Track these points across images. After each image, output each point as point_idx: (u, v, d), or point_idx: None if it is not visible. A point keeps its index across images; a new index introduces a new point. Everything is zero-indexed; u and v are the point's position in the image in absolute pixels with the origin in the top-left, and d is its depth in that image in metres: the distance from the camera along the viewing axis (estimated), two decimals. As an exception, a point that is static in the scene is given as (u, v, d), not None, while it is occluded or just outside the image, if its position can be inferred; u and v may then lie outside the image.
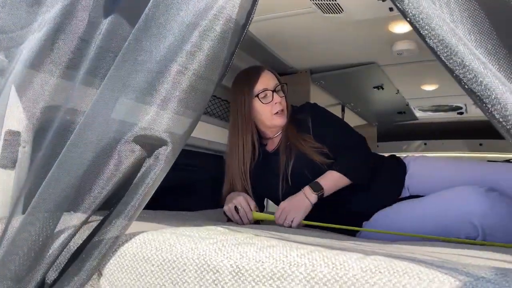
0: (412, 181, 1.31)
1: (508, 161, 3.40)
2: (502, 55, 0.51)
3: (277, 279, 0.60)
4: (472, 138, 3.39)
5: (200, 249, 0.69)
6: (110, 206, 0.74)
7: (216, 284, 0.64)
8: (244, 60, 2.06)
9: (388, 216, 1.19)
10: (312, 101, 2.35)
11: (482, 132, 3.38)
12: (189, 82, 0.70)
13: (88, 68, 0.83)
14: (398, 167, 1.37)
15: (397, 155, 1.48)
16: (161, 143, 0.70)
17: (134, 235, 0.78)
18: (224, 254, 0.66)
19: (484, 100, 0.47)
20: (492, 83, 0.47)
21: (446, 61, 0.50)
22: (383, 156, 1.48)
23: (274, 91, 1.40)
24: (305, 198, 1.25)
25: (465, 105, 3.11)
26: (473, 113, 3.20)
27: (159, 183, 0.74)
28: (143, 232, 0.79)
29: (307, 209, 1.24)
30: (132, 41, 0.72)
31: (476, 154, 3.44)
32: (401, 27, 1.66)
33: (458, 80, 0.50)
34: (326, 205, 1.31)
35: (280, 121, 1.40)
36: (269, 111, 1.39)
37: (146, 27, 0.72)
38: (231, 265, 0.64)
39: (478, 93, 0.48)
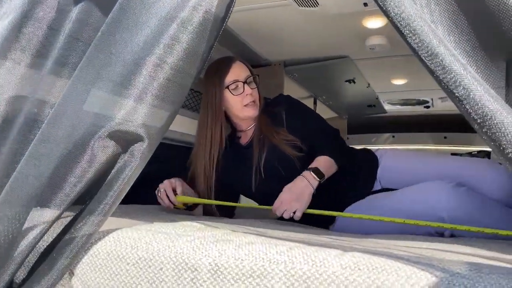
0: (384, 174, 1.33)
1: (470, 153, 3.55)
2: (480, 56, 0.52)
3: (256, 277, 0.60)
4: (437, 131, 3.51)
5: (177, 247, 0.68)
6: (83, 202, 0.71)
7: (194, 283, 0.63)
8: (218, 51, 2.03)
9: (361, 209, 1.21)
10: (285, 94, 2.36)
11: (446, 125, 3.51)
12: (167, 75, 0.68)
13: (57, 57, 0.79)
14: (371, 160, 1.38)
15: (368, 147, 1.49)
16: (137, 138, 0.68)
17: (107, 232, 0.75)
18: (202, 252, 0.65)
19: (463, 101, 0.48)
20: (471, 84, 0.48)
21: (426, 61, 0.51)
22: (355, 148, 1.50)
23: (245, 82, 1.38)
24: (309, 185, 1.20)
25: (432, 99, 3.21)
26: (439, 107, 3.31)
27: (135, 179, 0.72)
28: (117, 229, 0.76)
29: (310, 197, 1.20)
30: (106, 32, 0.69)
31: (440, 146, 3.57)
32: (375, 22, 1.68)
33: (438, 80, 0.50)
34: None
35: (252, 112, 1.39)
36: (240, 103, 1.37)
37: (121, 18, 0.69)
38: (209, 263, 0.63)
39: (457, 94, 0.49)
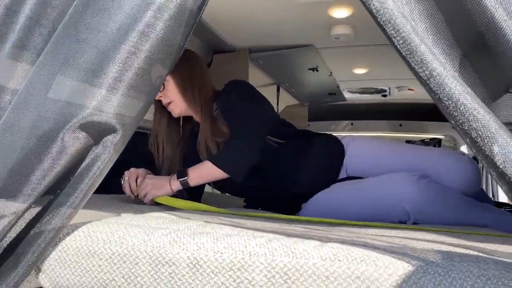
0: (351, 162, 1.34)
1: (423, 140, 3.74)
2: (457, 55, 0.54)
3: (237, 270, 0.60)
4: (393, 119, 3.65)
5: (153, 241, 0.66)
6: (52, 195, 0.67)
7: (172, 277, 0.62)
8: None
9: (326, 198, 1.24)
10: (250, 80, 2.35)
11: (402, 114, 3.66)
12: (141, 64, 0.65)
13: (16, 41, 0.74)
14: (335, 147, 1.38)
15: (334, 134, 1.48)
16: (110, 129, 0.65)
17: (77, 226, 0.72)
18: (180, 246, 0.64)
19: (442, 98, 0.50)
20: (450, 83, 0.49)
21: (408, 58, 0.52)
22: (319, 134, 1.47)
23: None
24: (168, 185, 1.23)
25: (389, 88, 3.33)
26: (395, 96, 3.44)
27: (107, 172, 0.69)
28: (87, 223, 0.73)
29: (166, 194, 1.23)
30: (74, 16, 0.65)
31: (396, 134, 3.73)
32: (341, 12, 1.70)
33: (418, 77, 0.52)
34: (265, 186, 1.34)
35: (173, 112, 1.39)
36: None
37: (90, 1, 0.65)
38: (188, 257, 0.63)
39: (436, 91, 0.50)
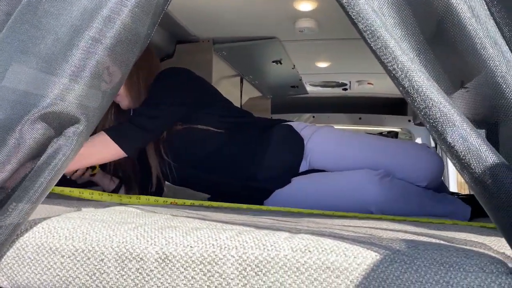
0: (313, 154, 1.30)
1: (381, 133, 3.86)
2: (423, 50, 0.56)
3: (207, 264, 0.59)
4: (353, 113, 3.74)
5: (119, 236, 0.64)
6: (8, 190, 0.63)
7: (140, 273, 0.61)
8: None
9: (287, 196, 1.23)
10: (214, 72, 2.33)
11: (361, 107, 3.76)
12: (106, 52, 0.62)
13: None
14: (292, 139, 1.33)
15: (295, 124, 1.42)
16: (73, 120, 0.62)
17: (36, 222, 0.69)
18: (148, 241, 0.62)
19: (409, 91, 0.51)
20: (417, 77, 0.51)
21: (378, 52, 0.53)
22: (278, 122, 1.42)
23: None
24: None
25: (350, 82, 3.41)
26: (355, 89, 3.52)
27: (69, 164, 0.66)
28: (47, 218, 0.70)
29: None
30: (33, 1, 0.61)
31: (356, 126, 3.83)
32: (305, 5, 1.71)
33: (387, 71, 0.53)
34: (220, 180, 1.32)
35: (121, 105, 1.36)
36: None
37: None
38: (156, 252, 0.61)
39: (405, 84, 0.52)
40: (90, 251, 0.63)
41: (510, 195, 0.45)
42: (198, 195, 1.66)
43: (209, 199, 1.47)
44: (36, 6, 0.61)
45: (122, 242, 0.63)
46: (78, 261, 0.63)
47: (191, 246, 0.61)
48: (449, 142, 0.48)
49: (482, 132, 0.51)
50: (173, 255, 0.60)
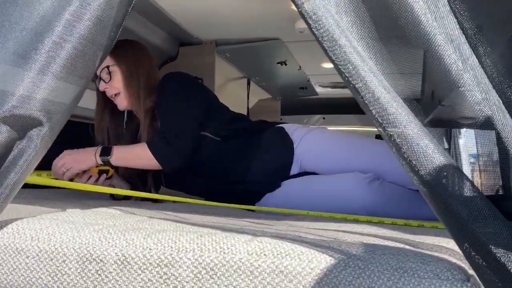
0: (304, 156, 1.29)
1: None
2: (379, 48, 0.54)
3: (164, 266, 0.59)
4: (364, 113, 3.69)
5: (82, 238, 0.64)
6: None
7: (99, 275, 0.61)
8: (147, 29, 1.95)
9: (276, 200, 1.22)
10: (217, 74, 2.33)
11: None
12: (73, 45, 0.62)
13: None
14: (282, 143, 1.31)
15: (283, 125, 1.40)
16: (35, 123, 0.63)
17: (5, 223, 0.70)
18: (109, 242, 0.63)
19: (360, 92, 0.50)
20: (367, 76, 0.49)
21: (329, 52, 0.52)
22: (269, 126, 1.41)
23: (99, 78, 1.35)
24: (93, 158, 1.22)
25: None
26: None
27: (35, 166, 0.66)
28: (17, 219, 0.71)
29: (88, 166, 1.23)
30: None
31: (367, 128, 3.77)
32: (303, 6, 1.69)
33: (337, 69, 0.52)
34: (212, 184, 1.32)
35: (119, 106, 1.37)
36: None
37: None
38: (116, 253, 0.61)
39: (354, 84, 0.50)
40: (53, 252, 0.64)
41: (458, 199, 0.43)
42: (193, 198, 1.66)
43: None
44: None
45: (84, 244, 0.63)
46: (41, 261, 0.64)
47: (150, 249, 0.61)
48: (387, 133, 0.47)
49: (434, 130, 0.49)
50: (132, 257, 0.60)
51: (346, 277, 0.51)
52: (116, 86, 1.33)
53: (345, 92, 3.51)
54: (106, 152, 1.21)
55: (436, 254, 0.54)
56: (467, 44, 0.52)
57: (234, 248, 0.58)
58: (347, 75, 0.49)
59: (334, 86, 3.41)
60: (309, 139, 1.31)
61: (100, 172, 1.31)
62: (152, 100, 1.33)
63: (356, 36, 0.54)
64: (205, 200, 1.48)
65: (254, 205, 1.28)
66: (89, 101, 1.47)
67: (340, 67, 0.50)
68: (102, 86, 1.34)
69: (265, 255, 0.56)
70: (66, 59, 0.63)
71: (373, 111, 0.49)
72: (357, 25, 0.54)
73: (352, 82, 0.50)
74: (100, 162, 1.20)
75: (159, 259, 0.59)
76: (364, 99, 0.49)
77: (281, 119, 3.72)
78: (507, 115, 0.50)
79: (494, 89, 0.51)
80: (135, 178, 1.46)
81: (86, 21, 0.63)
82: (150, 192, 1.46)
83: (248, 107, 3.02)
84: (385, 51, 0.53)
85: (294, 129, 1.36)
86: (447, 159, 0.45)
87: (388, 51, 0.54)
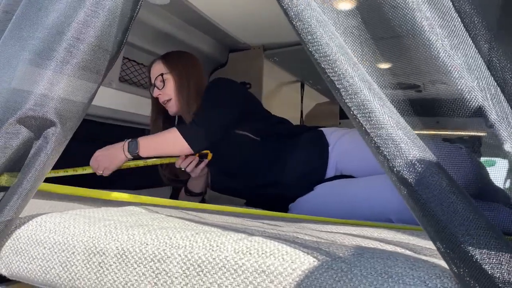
0: (339, 159, 1.25)
1: (462, 138, 3.51)
2: (364, 39, 0.51)
3: (157, 261, 0.60)
4: (428, 116, 3.47)
5: (91, 232, 0.68)
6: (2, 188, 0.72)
7: (101, 267, 0.64)
8: (194, 36, 2.02)
9: (310, 202, 1.18)
10: (266, 78, 2.34)
11: (438, 109, 3.46)
12: (92, 40, 0.67)
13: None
14: (317, 147, 1.30)
15: (322, 129, 1.38)
16: (49, 124, 0.68)
17: (32, 217, 0.76)
18: (112, 237, 0.66)
19: (340, 90, 0.47)
20: (346, 70, 0.47)
21: (311, 50, 0.50)
22: (308, 129, 1.40)
23: (153, 85, 1.44)
24: (123, 154, 1.26)
25: (423, 83, 3.17)
26: (430, 91, 3.26)
27: (53, 164, 0.72)
28: (44, 214, 0.77)
29: (120, 162, 1.27)
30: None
31: (432, 131, 3.53)
32: (345, 4, 1.65)
33: (316, 63, 0.49)
34: (249, 186, 1.33)
35: (170, 111, 1.44)
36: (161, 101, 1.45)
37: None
38: (116, 247, 0.64)
39: (337, 84, 0.48)
40: (65, 244, 0.68)
41: (436, 198, 0.39)
42: (237, 201, 1.68)
43: (246, 204, 1.48)
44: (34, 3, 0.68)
45: (91, 237, 0.67)
46: (55, 252, 0.69)
47: (146, 244, 0.63)
48: (372, 137, 0.43)
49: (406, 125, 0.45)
50: (130, 251, 0.63)
51: (326, 280, 0.49)
52: (168, 92, 1.41)
53: (406, 94, 3.33)
54: (132, 147, 1.25)
55: (431, 260, 0.49)
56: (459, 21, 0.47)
57: (222, 246, 0.58)
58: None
59: (394, 87, 3.25)
60: (345, 141, 1.27)
61: (201, 156, 1.40)
62: (198, 105, 1.38)
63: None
64: (245, 203, 1.49)
65: (288, 208, 1.26)
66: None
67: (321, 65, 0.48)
68: (156, 92, 1.43)
69: (250, 253, 0.55)
70: (83, 56, 0.68)
71: (349, 104, 0.46)
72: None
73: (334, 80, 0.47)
74: (129, 156, 1.26)
75: (153, 254, 0.61)
76: (344, 98, 0.46)
77: (339, 123, 3.62)
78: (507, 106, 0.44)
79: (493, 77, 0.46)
80: (182, 181, 1.52)
81: (101, 17, 0.67)
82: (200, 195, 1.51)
83: (302, 111, 2.99)
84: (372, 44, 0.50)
85: (331, 131, 1.33)
86: (422, 153, 0.40)
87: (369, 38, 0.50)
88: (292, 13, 0.50)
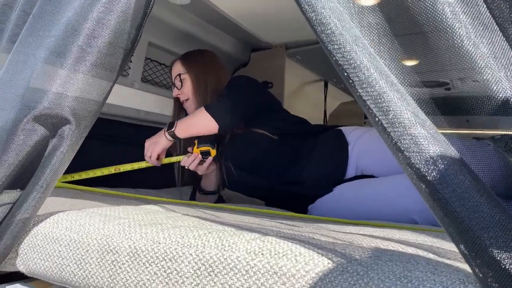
0: (361, 158, 1.21)
1: (493, 137, 3.37)
2: (384, 33, 0.48)
3: (168, 260, 0.59)
4: (457, 115, 3.35)
5: (105, 230, 0.68)
6: (20, 186, 0.72)
7: (114, 265, 0.63)
8: (216, 36, 2.02)
9: (330, 203, 1.15)
10: (288, 77, 2.32)
11: (468, 108, 3.34)
12: (107, 38, 0.67)
13: (9, 35, 0.80)
14: (336, 147, 1.27)
15: (341, 128, 1.35)
16: (64, 121, 0.68)
17: (50, 215, 0.77)
18: (126, 235, 0.65)
19: (355, 83, 0.45)
20: (361, 62, 0.44)
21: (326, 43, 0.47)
22: (326, 129, 1.38)
23: (173, 85, 1.47)
24: (164, 136, 1.32)
25: (451, 80, 3.06)
26: (460, 89, 3.15)
27: (69, 162, 0.72)
28: (61, 211, 0.78)
29: (162, 144, 1.32)
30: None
31: (461, 130, 3.41)
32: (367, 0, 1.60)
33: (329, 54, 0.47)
34: (268, 185, 1.31)
35: (188, 110, 1.46)
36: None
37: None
38: (129, 246, 0.63)
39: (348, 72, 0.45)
40: (80, 241, 0.68)
41: (458, 197, 0.36)
42: (259, 202, 1.67)
43: (265, 205, 1.46)
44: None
45: (105, 235, 0.67)
46: (70, 250, 0.69)
47: (159, 243, 0.62)
48: (385, 127, 0.41)
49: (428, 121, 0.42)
50: (142, 250, 0.62)
51: (341, 283, 0.46)
52: (186, 92, 1.42)
53: (434, 92, 3.23)
54: (170, 126, 1.31)
55: (455, 264, 0.45)
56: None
57: (234, 246, 0.56)
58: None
59: (422, 85, 3.16)
60: (366, 140, 1.23)
61: (203, 153, 1.41)
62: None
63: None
64: (265, 204, 1.47)
65: (308, 208, 1.23)
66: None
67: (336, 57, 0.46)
68: (175, 92, 1.44)
69: (262, 254, 0.53)
70: (98, 53, 0.68)
71: (364, 97, 0.43)
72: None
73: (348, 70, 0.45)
74: (169, 137, 1.30)
75: (165, 253, 0.60)
76: (359, 92, 0.44)
77: (364, 122, 3.55)
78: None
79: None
80: (198, 179, 1.52)
81: (115, 14, 0.67)
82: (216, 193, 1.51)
83: (325, 110, 2.94)
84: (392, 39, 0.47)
85: (351, 130, 1.29)
86: (444, 149, 0.37)
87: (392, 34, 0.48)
88: (305, 4, 0.48)
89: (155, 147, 1.30)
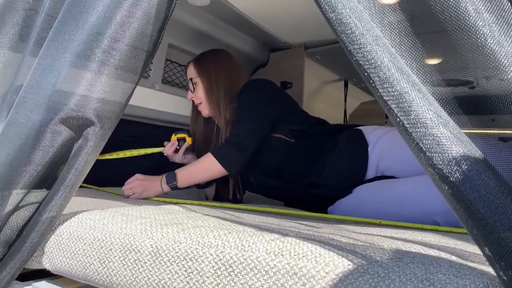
0: (381, 159, 1.18)
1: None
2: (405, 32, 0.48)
3: (189, 260, 0.60)
4: (483, 114, 3.26)
5: (128, 229, 0.69)
6: (46, 185, 0.75)
7: (136, 264, 0.64)
8: (235, 36, 2.03)
9: (350, 204, 1.14)
10: (307, 76, 2.31)
11: (494, 107, 3.25)
12: (129, 40, 0.68)
13: (36, 38, 0.83)
14: (356, 147, 1.23)
15: (361, 127, 1.31)
16: (89, 123, 0.70)
17: (75, 214, 0.79)
18: (147, 235, 0.66)
19: (375, 81, 0.44)
20: (382, 62, 0.44)
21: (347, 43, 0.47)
22: (346, 128, 1.34)
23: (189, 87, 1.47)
24: (159, 187, 1.24)
25: (476, 79, 2.98)
26: (485, 87, 3.07)
27: (92, 163, 0.74)
28: (86, 211, 0.80)
29: (154, 193, 1.25)
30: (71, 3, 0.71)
31: (487, 130, 3.32)
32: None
33: (352, 57, 0.47)
34: (286, 186, 1.30)
35: (202, 112, 1.46)
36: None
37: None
38: (151, 245, 0.64)
39: (369, 72, 0.45)
40: (104, 240, 0.70)
41: (482, 199, 0.35)
42: (274, 202, 1.66)
43: (285, 205, 1.46)
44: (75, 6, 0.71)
45: (128, 235, 0.68)
46: (94, 249, 0.70)
47: (180, 242, 0.62)
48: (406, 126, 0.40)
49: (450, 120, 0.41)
50: (163, 249, 0.63)
51: (362, 285, 0.46)
52: (199, 96, 1.43)
53: (458, 91, 3.16)
54: (171, 179, 1.24)
55: (479, 267, 0.44)
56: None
57: (254, 246, 0.56)
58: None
59: (445, 84, 3.09)
60: (386, 140, 1.19)
61: (179, 140, 1.46)
62: (231, 108, 1.37)
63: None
64: (284, 205, 1.47)
65: (327, 210, 1.22)
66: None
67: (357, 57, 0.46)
68: (189, 95, 1.46)
69: (282, 255, 0.53)
70: (120, 56, 0.69)
71: (385, 97, 0.43)
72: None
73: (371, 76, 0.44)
74: (167, 190, 1.25)
75: (186, 253, 0.61)
76: (380, 91, 0.43)
77: (385, 122, 3.50)
78: None
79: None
80: (219, 182, 1.52)
81: (137, 17, 0.68)
82: (233, 196, 1.51)
83: (345, 110, 2.92)
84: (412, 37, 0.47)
85: (371, 130, 1.26)
86: (467, 150, 0.37)
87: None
88: (325, 4, 0.48)
89: (143, 193, 1.24)
